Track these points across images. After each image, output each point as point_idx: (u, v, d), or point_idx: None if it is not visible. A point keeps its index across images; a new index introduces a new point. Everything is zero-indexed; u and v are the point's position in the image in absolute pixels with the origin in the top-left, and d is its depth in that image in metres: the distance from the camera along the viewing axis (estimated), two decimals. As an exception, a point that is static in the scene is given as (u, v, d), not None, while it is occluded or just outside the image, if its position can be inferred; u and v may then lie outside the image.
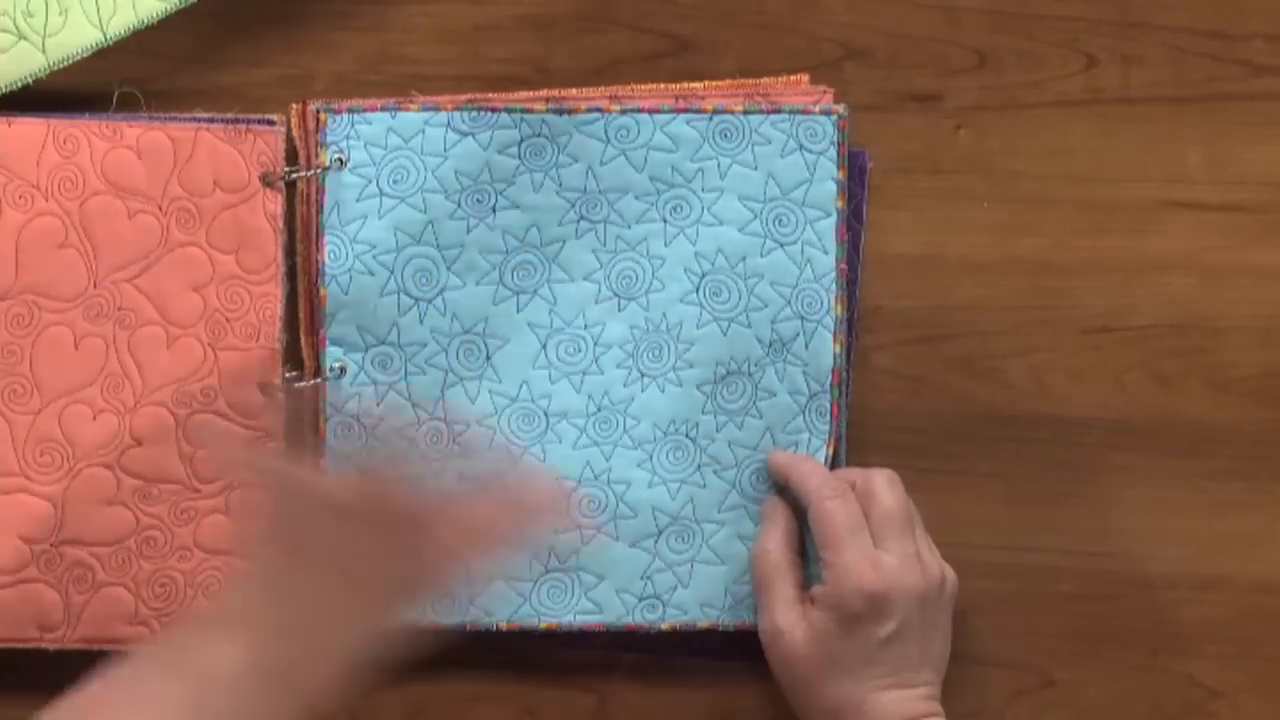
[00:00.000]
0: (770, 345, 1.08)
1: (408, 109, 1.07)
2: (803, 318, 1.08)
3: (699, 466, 1.08)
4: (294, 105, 1.08)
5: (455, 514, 0.92)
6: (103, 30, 1.05)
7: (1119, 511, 1.12)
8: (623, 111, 1.07)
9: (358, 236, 1.06)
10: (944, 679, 1.06)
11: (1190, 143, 1.12)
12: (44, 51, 1.05)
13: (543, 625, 1.08)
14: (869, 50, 1.11)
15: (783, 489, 1.08)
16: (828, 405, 1.09)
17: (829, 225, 1.08)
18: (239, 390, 1.06)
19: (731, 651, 1.09)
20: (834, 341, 1.08)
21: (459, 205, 1.07)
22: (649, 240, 1.08)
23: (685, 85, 1.09)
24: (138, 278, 1.06)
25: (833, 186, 1.08)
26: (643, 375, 1.08)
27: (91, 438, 1.06)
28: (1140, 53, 1.12)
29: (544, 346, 1.08)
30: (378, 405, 1.06)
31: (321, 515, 0.91)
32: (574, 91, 1.09)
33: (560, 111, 1.07)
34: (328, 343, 1.07)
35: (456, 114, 1.07)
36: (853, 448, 1.10)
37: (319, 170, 1.06)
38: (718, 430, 1.08)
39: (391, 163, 1.06)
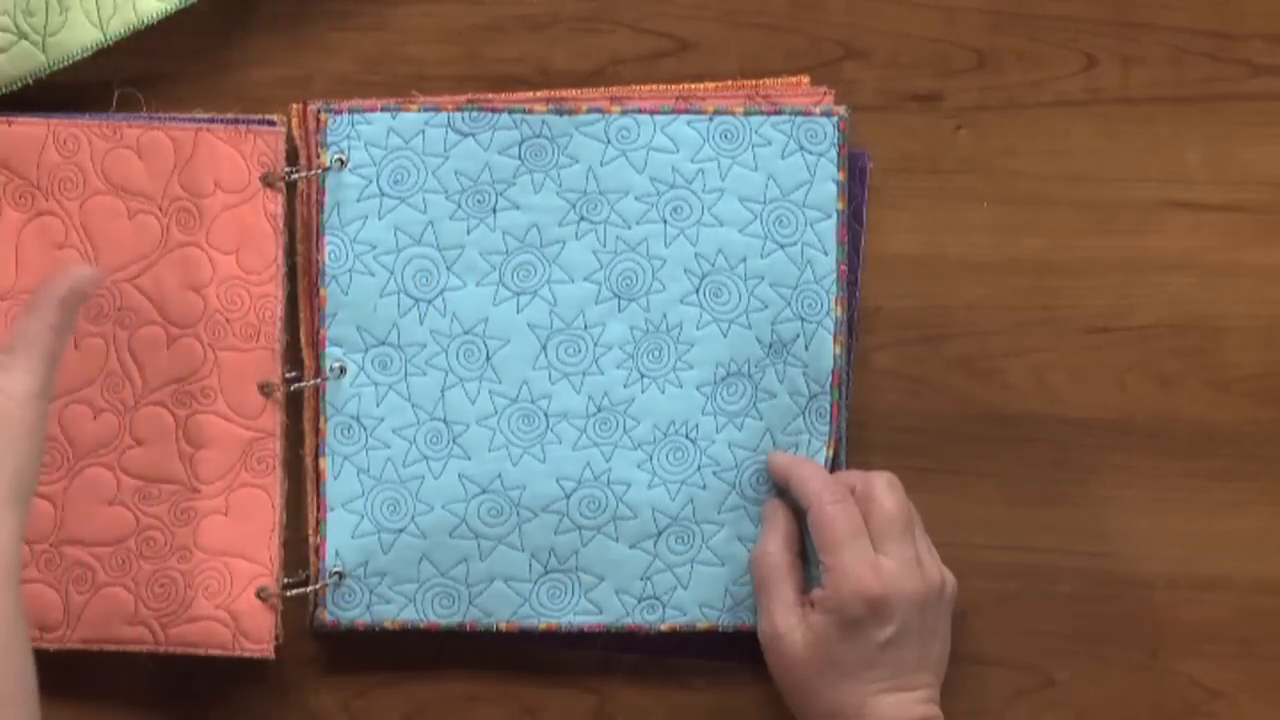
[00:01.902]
0: (770, 346, 1.08)
1: (408, 109, 1.07)
2: (803, 319, 1.08)
3: (699, 467, 1.08)
4: (294, 105, 1.07)
5: None
6: (103, 30, 1.05)
7: (1119, 512, 1.12)
8: (623, 112, 1.07)
9: (358, 237, 1.06)
10: (944, 680, 1.06)
11: (1190, 143, 1.12)
12: (44, 51, 1.05)
13: (543, 625, 1.08)
14: (869, 50, 1.11)
15: (783, 491, 1.08)
16: (828, 406, 1.08)
17: (829, 226, 1.08)
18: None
19: (731, 653, 1.09)
20: (834, 343, 1.08)
21: (459, 206, 1.07)
22: (649, 241, 1.08)
23: (686, 86, 1.09)
24: (138, 278, 1.06)
25: (833, 188, 1.08)
26: (643, 376, 1.08)
27: (91, 438, 1.06)
28: (1140, 53, 1.12)
29: (544, 347, 1.08)
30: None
31: None
32: (574, 92, 1.09)
33: (561, 112, 1.07)
34: (328, 343, 1.07)
35: (457, 114, 1.07)
36: (853, 448, 1.10)
37: (319, 170, 1.06)
38: (718, 431, 1.08)
39: (392, 163, 1.06)
